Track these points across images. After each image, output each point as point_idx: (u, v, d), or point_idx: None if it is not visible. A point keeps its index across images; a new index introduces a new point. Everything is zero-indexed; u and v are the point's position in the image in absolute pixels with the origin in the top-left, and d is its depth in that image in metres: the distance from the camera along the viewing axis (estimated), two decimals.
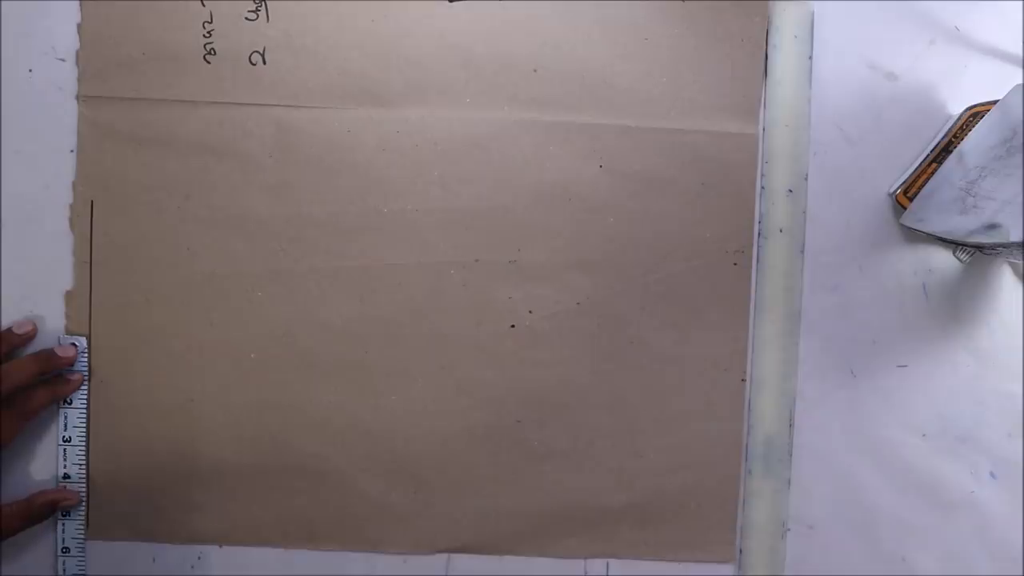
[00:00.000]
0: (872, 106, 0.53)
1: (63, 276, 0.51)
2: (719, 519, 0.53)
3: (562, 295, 0.52)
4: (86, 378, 0.50)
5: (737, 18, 0.52)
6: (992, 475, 0.54)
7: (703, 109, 0.52)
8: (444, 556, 0.52)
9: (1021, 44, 0.53)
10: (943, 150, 0.52)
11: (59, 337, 0.50)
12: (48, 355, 0.49)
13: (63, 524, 0.50)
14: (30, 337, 0.50)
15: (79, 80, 0.50)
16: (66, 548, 0.51)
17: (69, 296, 0.51)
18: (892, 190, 0.53)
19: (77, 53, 0.50)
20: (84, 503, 0.51)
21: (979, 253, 0.53)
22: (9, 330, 0.49)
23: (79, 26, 0.50)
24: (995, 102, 0.46)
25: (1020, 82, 0.44)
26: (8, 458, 0.50)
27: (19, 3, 0.50)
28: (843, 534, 0.53)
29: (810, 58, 0.53)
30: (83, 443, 0.51)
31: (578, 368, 0.52)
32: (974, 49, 0.53)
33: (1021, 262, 0.53)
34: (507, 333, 0.52)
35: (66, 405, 0.50)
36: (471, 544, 0.52)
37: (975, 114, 0.51)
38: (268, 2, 0.50)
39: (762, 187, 0.53)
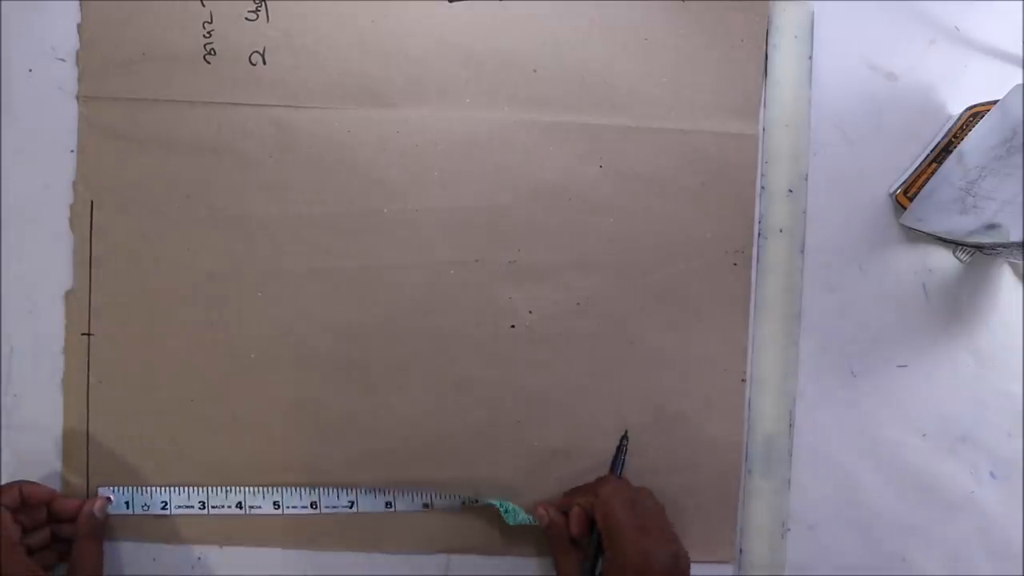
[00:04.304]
0: (872, 106, 0.53)
1: (63, 276, 0.51)
2: (719, 519, 0.53)
3: (562, 295, 0.52)
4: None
5: (737, 18, 0.52)
6: (992, 475, 0.54)
7: (703, 109, 0.52)
8: (444, 556, 0.52)
9: (1021, 44, 0.53)
10: (943, 150, 0.52)
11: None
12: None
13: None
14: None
15: (79, 80, 0.50)
16: None
17: (69, 296, 0.51)
18: (892, 190, 0.53)
19: (77, 53, 0.50)
20: None
21: (979, 253, 0.53)
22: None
23: (79, 26, 0.50)
24: (995, 102, 0.46)
25: (1020, 82, 0.44)
26: (8, 459, 0.51)
27: (19, 3, 0.50)
28: (843, 534, 0.53)
29: (810, 58, 0.53)
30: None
31: (578, 368, 0.52)
32: (974, 49, 0.53)
33: (1021, 262, 0.53)
34: (507, 333, 0.52)
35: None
36: (471, 544, 0.52)
37: (975, 114, 0.51)
38: (268, 2, 0.50)
39: (762, 187, 0.53)
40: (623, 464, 0.51)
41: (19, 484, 0.47)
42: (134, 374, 0.51)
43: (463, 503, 0.51)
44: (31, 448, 0.51)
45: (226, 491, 0.51)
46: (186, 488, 0.51)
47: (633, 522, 0.45)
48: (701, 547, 0.52)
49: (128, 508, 0.51)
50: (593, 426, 0.52)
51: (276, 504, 0.51)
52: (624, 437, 0.51)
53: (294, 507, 0.51)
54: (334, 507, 0.51)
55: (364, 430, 0.51)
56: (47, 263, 0.51)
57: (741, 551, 0.53)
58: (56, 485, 0.51)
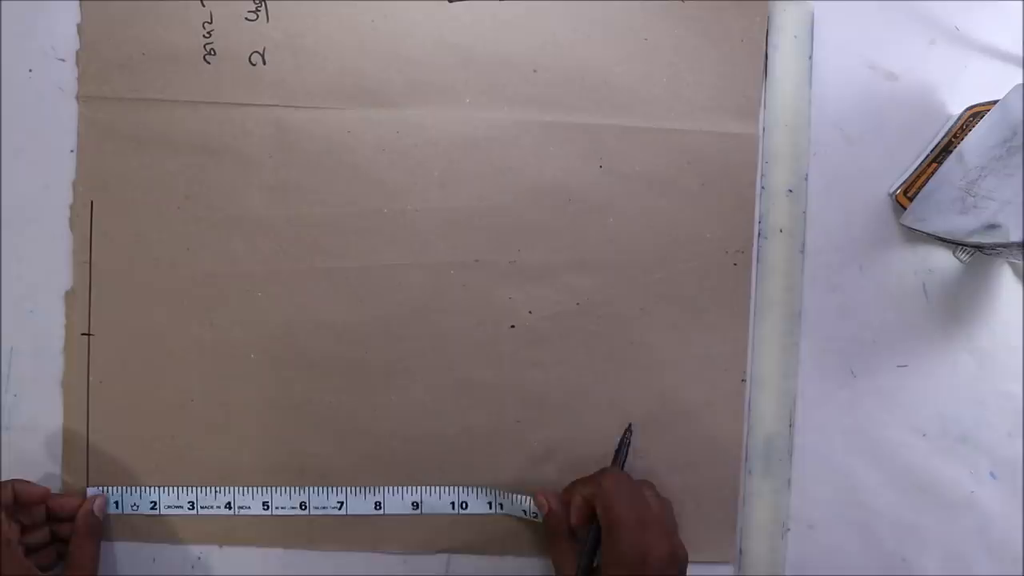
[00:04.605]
0: (872, 106, 0.53)
1: (63, 276, 0.51)
2: (719, 519, 0.53)
3: (562, 295, 0.52)
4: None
5: (737, 18, 0.52)
6: (992, 475, 0.54)
7: (703, 109, 0.52)
8: (444, 556, 0.52)
9: (1021, 44, 0.53)
10: (943, 150, 0.52)
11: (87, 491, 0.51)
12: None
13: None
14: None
15: (79, 80, 0.50)
16: None
17: (69, 296, 0.51)
18: (892, 190, 0.53)
19: (77, 53, 0.50)
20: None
21: (979, 253, 0.53)
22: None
23: (79, 26, 0.50)
24: (995, 102, 0.46)
25: (1020, 82, 0.44)
26: (8, 459, 0.51)
27: (19, 3, 0.50)
28: (843, 534, 0.53)
29: (810, 58, 0.53)
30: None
31: (578, 368, 0.52)
32: (974, 49, 0.53)
33: (1021, 262, 0.53)
34: (507, 333, 0.52)
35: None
36: (471, 544, 0.52)
37: (975, 114, 0.51)
38: (268, 2, 0.50)
39: (762, 187, 0.53)
40: (626, 457, 0.51)
41: (12, 482, 0.47)
42: (134, 374, 0.51)
43: (451, 505, 0.51)
44: (31, 448, 0.51)
45: (215, 491, 0.51)
46: (175, 488, 0.51)
47: (634, 516, 0.45)
48: (701, 547, 0.52)
49: (117, 508, 0.51)
50: (593, 426, 0.52)
51: (265, 504, 0.51)
52: (628, 430, 0.51)
53: (283, 508, 0.51)
54: (323, 508, 0.51)
55: (363, 430, 0.51)
56: (47, 263, 0.51)
57: (741, 551, 0.53)
58: (56, 485, 0.51)
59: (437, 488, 0.51)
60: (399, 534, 0.52)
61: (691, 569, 0.46)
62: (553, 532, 0.49)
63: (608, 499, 0.46)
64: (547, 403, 0.52)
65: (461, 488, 0.52)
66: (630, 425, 0.51)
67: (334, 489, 0.51)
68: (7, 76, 0.50)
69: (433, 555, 0.52)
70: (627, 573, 0.44)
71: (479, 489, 0.52)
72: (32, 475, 0.50)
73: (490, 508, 0.52)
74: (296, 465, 0.51)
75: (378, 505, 0.51)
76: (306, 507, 0.51)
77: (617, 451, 0.51)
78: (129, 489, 0.51)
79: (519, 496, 0.50)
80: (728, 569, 0.53)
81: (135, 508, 0.51)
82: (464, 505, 0.51)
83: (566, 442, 0.52)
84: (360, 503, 0.51)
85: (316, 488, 0.51)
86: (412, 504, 0.52)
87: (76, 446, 0.51)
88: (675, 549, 0.45)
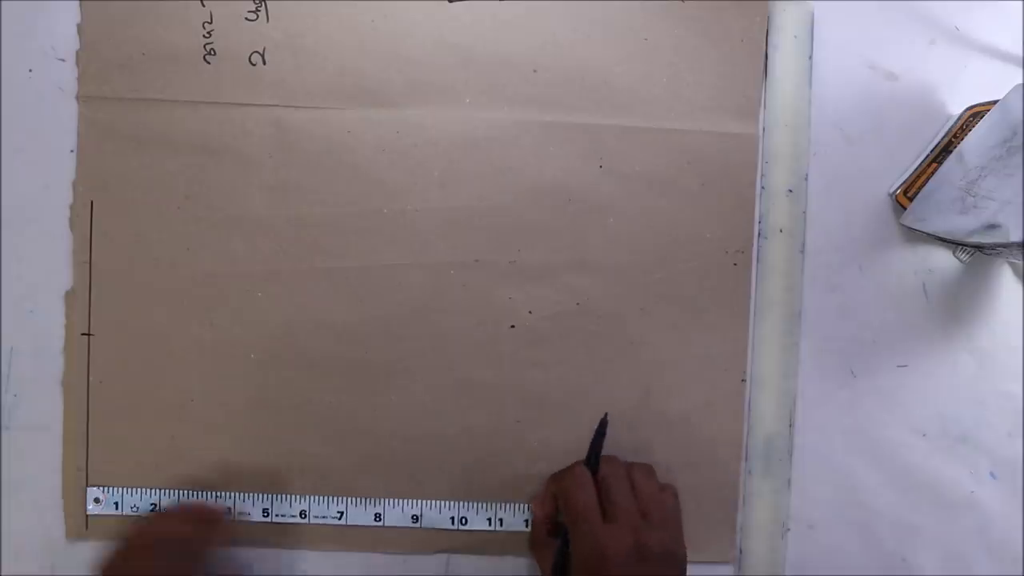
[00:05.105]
0: (872, 106, 0.53)
1: (63, 276, 0.51)
2: (719, 519, 0.53)
3: (562, 295, 0.52)
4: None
5: (737, 18, 0.52)
6: (992, 475, 0.54)
7: (703, 109, 0.52)
8: (444, 556, 0.52)
9: (1021, 44, 0.53)
10: (943, 150, 0.52)
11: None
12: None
13: None
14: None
15: (79, 80, 0.50)
16: None
17: (69, 296, 0.51)
18: (892, 190, 0.53)
19: (77, 53, 0.50)
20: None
21: (979, 253, 0.53)
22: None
23: (79, 26, 0.50)
24: (995, 102, 0.46)
25: (1020, 82, 0.44)
26: (8, 459, 0.51)
27: (19, 3, 0.50)
28: (843, 534, 0.53)
29: (810, 58, 0.53)
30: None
31: (578, 368, 0.52)
32: (974, 49, 0.53)
33: (1021, 262, 0.53)
34: (507, 333, 0.52)
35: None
36: (471, 544, 0.52)
37: (975, 114, 0.51)
38: (268, 2, 0.50)
39: (762, 187, 0.53)
40: (600, 448, 0.50)
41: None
42: (134, 374, 0.51)
43: (451, 520, 0.51)
44: (31, 448, 0.51)
45: (215, 496, 0.51)
46: (176, 491, 0.51)
47: (594, 511, 0.45)
48: (701, 547, 0.52)
49: (117, 508, 0.51)
50: (593, 426, 0.52)
51: (265, 512, 0.51)
52: (603, 421, 0.50)
53: (283, 516, 0.51)
54: (323, 517, 0.51)
55: (363, 430, 0.51)
56: (47, 263, 0.51)
57: (741, 551, 0.53)
58: (56, 484, 0.51)
59: (437, 503, 0.52)
60: (399, 534, 0.52)
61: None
62: (533, 530, 0.50)
63: (567, 496, 0.46)
64: (547, 403, 0.52)
65: (461, 503, 0.52)
66: (606, 415, 0.50)
67: (334, 499, 0.51)
68: (7, 76, 0.50)
69: (433, 555, 0.52)
70: (588, 569, 0.43)
71: (479, 504, 0.52)
72: (32, 475, 0.50)
73: (489, 525, 0.52)
74: (296, 465, 0.51)
75: (378, 517, 0.51)
76: (306, 515, 0.51)
77: (592, 443, 0.50)
78: (129, 490, 0.51)
79: (519, 504, 0.51)
80: (728, 569, 0.53)
81: (135, 509, 0.51)
82: (464, 521, 0.52)
83: (566, 442, 0.52)
84: (360, 514, 0.51)
85: (316, 497, 0.51)
86: (412, 517, 0.52)
87: (76, 446, 0.51)
88: (646, 543, 0.43)
